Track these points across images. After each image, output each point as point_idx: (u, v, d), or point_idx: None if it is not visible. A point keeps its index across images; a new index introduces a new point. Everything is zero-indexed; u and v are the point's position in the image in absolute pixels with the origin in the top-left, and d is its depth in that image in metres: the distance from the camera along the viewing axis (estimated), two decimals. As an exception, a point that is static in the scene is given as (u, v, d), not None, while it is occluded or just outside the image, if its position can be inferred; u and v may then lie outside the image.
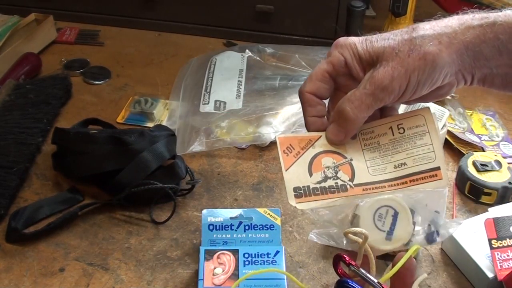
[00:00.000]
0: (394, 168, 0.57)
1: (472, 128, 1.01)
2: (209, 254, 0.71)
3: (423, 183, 0.56)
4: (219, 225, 0.75)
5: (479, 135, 0.99)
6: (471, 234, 0.76)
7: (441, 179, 0.56)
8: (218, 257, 0.71)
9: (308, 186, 0.57)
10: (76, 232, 0.82)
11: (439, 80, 0.53)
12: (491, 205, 0.84)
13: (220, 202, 0.87)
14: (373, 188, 0.57)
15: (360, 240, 0.55)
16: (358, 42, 0.56)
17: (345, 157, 0.58)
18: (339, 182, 0.57)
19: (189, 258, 0.78)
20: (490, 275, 0.71)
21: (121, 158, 0.85)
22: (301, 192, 0.56)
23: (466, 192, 0.87)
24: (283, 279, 0.69)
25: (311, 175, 0.57)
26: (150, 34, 1.29)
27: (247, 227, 0.75)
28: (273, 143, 0.97)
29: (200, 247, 0.73)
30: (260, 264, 0.70)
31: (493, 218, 0.72)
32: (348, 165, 0.58)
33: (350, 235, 0.55)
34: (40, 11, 1.25)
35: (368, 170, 0.58)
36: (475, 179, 0.86)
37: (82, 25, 1.30)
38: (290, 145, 0.59)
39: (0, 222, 0.82)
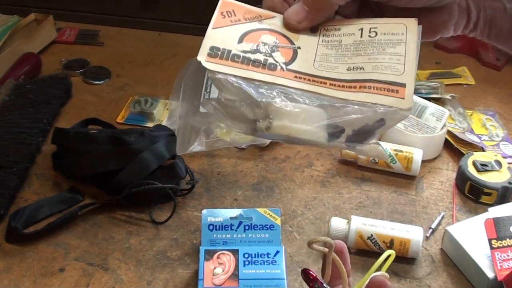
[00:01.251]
0: (347, 70, 0.46)
1: (472, 128, 1.01)
2: (209, 254, 0.71)
3: (377, 93, 0.44)
4: (219, 225, 0.75)
5: (479, 135, 0.99)
6: (471, 234, 0.76)
7: (403, 98, 0.44)
8: (218, 257, 0.71)
9: (230, 51, 0.46)
10: (76, 232, 0.82)
11: None
12: (491, 205, 0.84)
13: (220, 202, 0.87)
14: (309, 80, 0.46)
15: (326, 250, 0.52)
16: None
17: (293, 43, 0.47)
18: (270, 60, 0.46)
19: (189, 258, 0.78)
20: (490, 275, 0.71)
21: (121, 158, 0.85)
22: (217, 53, 0.46)
23: (466, 192, 0.87)
24: (283, 279, 0.69)
25: (240, 42, 0.47)
26: (150, 34, 1.29)
27: (247, 227, 0.75)
28: (273, 143, 0.97)
29: (200, 247, 0.73)
30: (260, 264, 0.70)
31: (493, 218, 0.72)
32: (291, 51, 0.47)
33: (314, 245, 0.51)
34: (40, 11, 1.25)
35: (314, 64, 0.47)
36: (475, 179, 0.86)
37: (82, 25, 1.30)
38: (233, 10, 0.49)
39: (0, 222, 0.82)
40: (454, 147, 0.96)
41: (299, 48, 0.47)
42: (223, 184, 0.90)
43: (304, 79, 0.45)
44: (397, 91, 0.44)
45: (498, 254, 0.70)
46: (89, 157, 0.87)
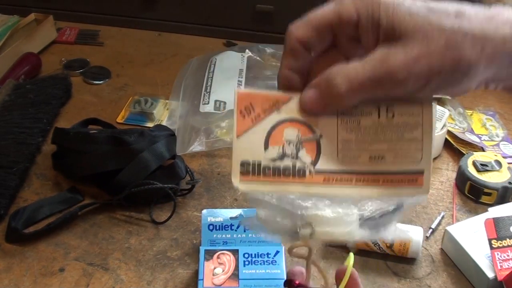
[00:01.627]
0: (369, 159, 0.46)
1: (472, 128, 1.01)
2: (209, 254, 0.71)
3: (399, 186, 0.46)
4: (219, 225, 0.75)
5: (479, 135, 0.99)
6: (471, 234, 0.76)
7: (421, 185, 0.45)
8: (218, 257, 0.71)
9: (260, 163, 0.48)
10: (76, 232, 0.82)
11: (462, 88, 0.43)
12: (491, 205, 0.84)
13: (220, 202, 0.87)
14: (337, 180, 0.46)
15: (305, 256, 0.51)
16: (383, 2, 0.41)
17: (314, 132, 0.46)
18: (298, 164, 0.46)
19: (189, 258, 0.78)
20: (490, 275, 0.71)
21: (121, 158, 0.85)
22: (249, 169, 0.48)
23: (466, 192, 0.87)
24: (283, 279, 0.69)
25: (266, 148, 0.48)
26: (150, 34, 1.29)
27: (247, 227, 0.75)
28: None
29: (200, 247, 0.73)
30: (260, 264, 0.70)
31: (493, 218, 0.72)
32: (315, 143, 0.46)
33: (294, 251, 0.50)
34: (40, 11, 1.25)
35: (338, 154, 0.46)
36: (475, 179, 0.86)
37: (82, 25, 1.30)
38: (251, 104, 0.48)
39: (0, 222, 0.82)
40: (454, 147, 0.96)
41: (321, 137, 0.46)
42: (223, 184, 0.90)
43: (333, 180, 0.46)
44: (416, 180, 0.45)
45: (498, 254, 0.70)
46: (89, 157, 0.87)
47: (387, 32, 0.41)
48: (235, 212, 0.76)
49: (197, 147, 0.94)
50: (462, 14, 0.40)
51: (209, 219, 0.75)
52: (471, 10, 0.41)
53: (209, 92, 1.03)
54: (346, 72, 0.41)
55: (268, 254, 0.71)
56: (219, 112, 0.98)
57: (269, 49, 1.12)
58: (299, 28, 0.46)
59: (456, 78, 0.40)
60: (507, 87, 0.45)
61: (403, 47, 0.40)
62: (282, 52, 0.46)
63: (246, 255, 0.71)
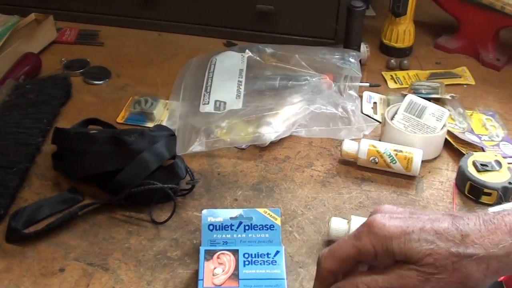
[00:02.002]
0: None
1: (472, 128, 1.01)
2: (209, 254, 0.71)
3: None
4: (219, 225, 0.75)
5: (479, 135, 0.99)
6: (471, 234, 0.76)
7: None
8: (218, 257, 0.71)
9: None
10: (76, 232, 0.82)
11: None
12: (491, 205, 0.84)
13: (220, 202, 0.87)
14: None
15: None
16: (395, 236, 0.47)
17: None
18: None
19: (189, 258, 0.78)
20: (490, 275, 0.71)
21: (121, 158, 0.85)
22: None
23: (466, 192, 0.87)
24: (283, 279, 0.69)
25: None
26: (150, 34, 1.29)
27: (247, 227, 0.75)
28: (273, 143, 0.97)
29: (200, 247, 0.73)
30: (260, 264, 0.70)
31: (493, 218, 0.72)
32: None
33: None
34: (40, 11, 1.25)
35: None
36: (475, 179, 0.86)
37: (82, 25, 1.30)
38: None
39: (0, 222, 0.82)
40: (454, 147, 0.96)
41: None
42: (223, 184, 0.90)
43: None
44: None
45: (498, 254, 0.70)
46: (89, 157, 0.87)
47: (401, 258, 0.47)
48: (235, 212, 0.76)
49: (197, 147, 0.94)
50: (466, 236, 0.45)
51: (209, 219, 0.75)
52: (474, 228, 0.45)
53: (209, 92, 1.03)
54: (367, 281, 0.49)
55: (268, 254, 0.71)
56: (219, 112, 0.98)
57: (269, 49, 1.11)
58: (327, 260, 0.52)
59: None
60: None
61: (416, 271, 0.46)
62: (316, 276, 0.54)
63: (246, 255, 0.71)
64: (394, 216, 0.49)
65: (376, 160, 0.91)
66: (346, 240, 0.51)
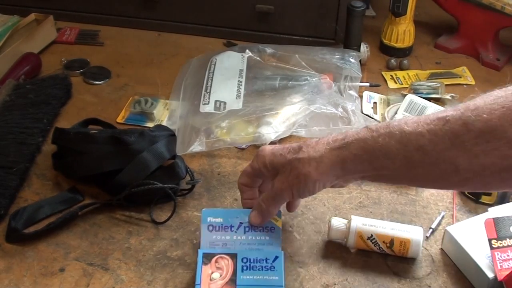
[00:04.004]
0: None
1: (472, 128, 1.00)
2: (207, 258, 0.71)
3: None
4: (219, 226, 0.74)
5: (479, 135, 0.99)
6: (471, 234, 0.76)
7: None
8: (216, 261, 0.71)
9: None
10: (76, 232, 0.82)
11: (315, 190, 0.69)
12: (491, 205, 0.84)
13: (220, 202, 0.87)
14: None
15: None
16: (268, 155, 0.72)
17: None
18: None
19: (189, 258, 0.78)
20: (490, 275, 0.71)
21: (121, 158, 0.85)
22: None
23: (466, 192, 0.87)
24: (281, 286, 0.69)
25: None
26: (150, 34, 1.29)
27: (247, 229, 0.75)
28: (273, 143, 0.97)
29: (199, 250, 0.73)
30: (259, 269, 0.70)
31: (493, 218, 0.72)
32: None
33: None
34: (40, 11, 1.25)
35: None
36: (475, 179, 0.86)
37: (82, 25, 1.29)
38: None
39: (0, 222, 0.82)
40: (454, 147, 0.96)
41: None
42: (223, 184, 0.90)
43: None
44: None
45: (498, 254, 0.70)
46: (89, 157, 0.87)
47: (272, 170, 0.72)
48: (235, 213, 0.76)
49: (197, 147, 0.94)
50: (300, 148, 0.69)
51: (208, 219, 0.75)
52: (309, 143, 0.69)
53: (209, 92, 1.02)
54: (262, 197, 0.74)
55: (267, 259, 0.71)
56: (219, 112, 0.98)
57: (269, 49, 1.11)
58: (240, 178, 0.77)
59: (303, 186, 0.69)
60: (363, 179, 0.71)
61: (278, 178, 0.71)
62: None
63: (245, 260, 0.71)
64: (274, 146, 0.74)
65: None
66: (247, 166, 0.76)
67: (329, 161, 0.67)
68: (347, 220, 0.79)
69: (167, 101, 1.07)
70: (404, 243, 0.76)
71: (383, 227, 0.77)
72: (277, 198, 0.72)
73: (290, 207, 0.80)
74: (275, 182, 0.71)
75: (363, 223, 0.77)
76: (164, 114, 1.04)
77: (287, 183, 0.70)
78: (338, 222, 0.79)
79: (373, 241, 0.77)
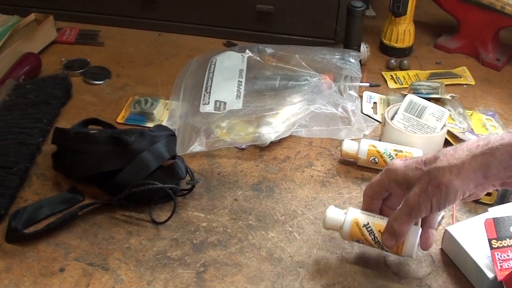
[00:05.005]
0: None
1: (472, 128, 1.01)
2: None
3: None
4: None
5: (479, 135, 0.99)
6: (471, 234, 0.76)
7: None
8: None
9: None
10: (76, 232, 0.82)
11: (456, 199, 0.67)
12: (491, 205, 0.84)
13: (220, 202, 0.87)
14: None
15: None
16: (400, 169, 0.71)
17: None
18: None
19: (189, 258, 0.78)
20: (490, 275, 0.71)
21: (121, 158, 0.85)
22: None
23: (466, 192, 0.87)
24: None
25: None
26: (150, 34, 1.29)
27: None
28: (273, 143, 0.97)
29: None
30: None
31: (493, 218, 0.72)
32: None
33: None
34: (40, 11, 1.25)
35: None
36: (475, 179, 0.86)
37: (82, 25, 1.30)
38: None
39: (0, 222, 0.82)
40: (454, 147, 0.96)
41: None
42: (223, 184, 0.90)
43: None
44: None
45: (498, 254, 0.70)
46: (89, 157, 0.87)
47: (404, 185, 0.70)
48: None
49: (197, 147, 0.94)
50: (436, 158, 0.67)
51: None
52: (445, 151, 0.67)
53: (209, 92, 1.03)
54: (393, 216, 0.71)
55: None
56: (219, 112, 0.98)
57: (269, 49, 1.11)
58: (366, 189, 0.76)
59: (444, 197, 0.66)
60: (501, 185, 0.68)
61: (413, 191, 0.68)
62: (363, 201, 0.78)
63: None
64: (403, 159, 0.72)
65: (376, 160, 0.91)
66: (376, 176, 0.75)
67: (472, 168, 0.65)
68: (344, 211, 0.77)
69: (167, 101, 1.07)
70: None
71: (381, 218, 0.75)
72: (413, 213, 0.69)
73: (426, 240, 0.74)
74: (410, 196, 0.68)
75: (361, 212, 0.76)
76: (164, 114, 1.04)
77: (425, 195, 0.67)
78: (335, 209, 0.77)
79: (368, 229, 0.74)
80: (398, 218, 0.70)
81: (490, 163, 0.64)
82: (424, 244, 0.73)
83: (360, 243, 0.76)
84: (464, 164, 0.65)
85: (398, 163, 0.71)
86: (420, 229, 0.75)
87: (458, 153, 0.66)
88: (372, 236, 0.74)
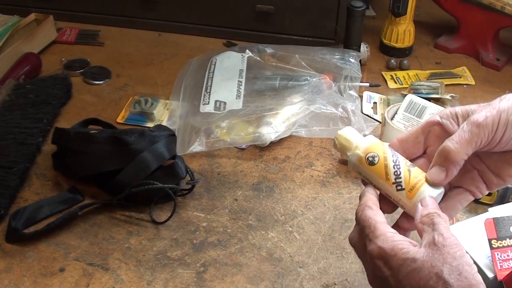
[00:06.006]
0: None
1: (472, 128, 1.00)
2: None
3: None
4: None
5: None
6: (471, 234, 0.76)
7: None
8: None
9: None
10: (76, 232, 0.82)
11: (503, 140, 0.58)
12: (491, 205, 0.84)
13: (220, 202, 0.87)
14: None
15: None
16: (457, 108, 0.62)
17: None
18: None
19: (189, 258, 0.78)
20: (490, 275, 0.71)
21: (121, 158, 0.85)
22: None
23: (466, 192, 0.87)
24: None
25: None
26: (150, 34, 1.29)
27: None
28: (273, 143, 0.97)
29: None
30: None
31: (493, 218, 0.72)
32: None
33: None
34: (40, 11, 1.25)
35: None
36: (475, 179, 0.86)
37: (82, 25, 1.30)
38: None
39: (0, 222, 0.82)
40: (454, 147, 0.96)
41: None
42: (223, 184, 0.90)
43: None
44: None
45: (498, 254, 0.70)
46: (89, 157, 0.87)
47: (464, 116, 0.60)
48: None
49: (197, 147, 0.94)
50: (504, 97, 0.58)
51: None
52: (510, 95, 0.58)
53: (209, 92, 1.03)
54: (449, 138, 0.59)
55: None
56: (219, 112, 0.98)
57: (269, 49, 1.12)
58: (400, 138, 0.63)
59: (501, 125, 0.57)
60: None
61: (477, 111, 0.58)
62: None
63: None
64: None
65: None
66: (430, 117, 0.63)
67: None
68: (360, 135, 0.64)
69: (167, 101, 1.07)
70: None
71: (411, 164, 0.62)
72: (476, 130, 0.57)
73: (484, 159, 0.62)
74: (474, 115, 0.58)
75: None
76: (164, 114, 1.04)
77: (494, 109, 0.57)
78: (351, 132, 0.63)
79: (394, 159, 0.60)
80: (455, 137, 0.58)
81: None
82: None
83: (365, 178, 0.62)
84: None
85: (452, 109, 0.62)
86: (443, 191, 0.62)
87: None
88: (396, 169, 0.60)
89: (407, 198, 0.60)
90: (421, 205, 0.59)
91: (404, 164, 0.61)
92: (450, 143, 0.58)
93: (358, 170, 0.62)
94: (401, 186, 0.60)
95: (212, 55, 1.12)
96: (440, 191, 0.61)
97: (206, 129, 0.96)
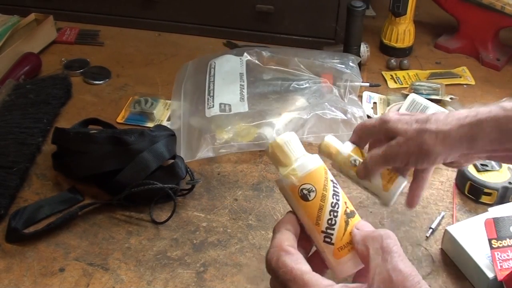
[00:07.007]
0: None
1: (472, 128, 1.00)
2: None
3: None
4: None
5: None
6: (471, 234, 0.76)
7: None
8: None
9: None
10: (76, 232, 0.82)
11: (435, 163, 0.67)
12: (491, 205, 0.84)
13: (220, 202, 0.87)
14: None
15: None
16: (393, 120, 0.69)
17: None
18: None
19: (189, 258, 0.78)
20: (490, 275, 0.71)
21: (121, 158, 0.85)
22: None
23: (466, 192, 0.87)
24: None
25: None
26: (150, 34, 1.29)
27: None
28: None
29: None
30: None
31: (493, 218, 0.72)
32: None
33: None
34: (40, 11, 1.25)
35: None
36: (475, 179, 0.86)
37: (82, 25, 1.30)
38: None
39: (0, 222, 0.82)
40: (454, 147, 0.96)
41: None
42: (223, 184, 0.90)
43: None
44: None
45: (498, 254, 0.70)
46: (89, 157, 0.87)
47: (391, 136, 0.68)
48: None
49: (205, 153, 0.94)
50: (429, 119, 0.66)
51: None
52: (438, 116, 0.66)
53: (213, 96, 1.02)
54: (371, 153, 0.69)
55: None
56: (225, 113, 0.97)
57: (266, 53, 1.10)
58: (358, 127, 0.73)
59: (422, 158, 0.66)
60: (487, 158, 0.70)
61: (397, 140, 0.67)
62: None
63: None
64: (401, 113, 0.71)
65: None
66: (371, 119, 0.74)
67: (457, 137, 0.64)
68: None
69: (167, 101, 1.07)
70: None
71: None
72: (388, 159, 0.67)
73: (411, 199, 0.73)
74: (393, 143, 0.67)
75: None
76: (164, 114, 1.04)
77: (406, 148, 0.66)
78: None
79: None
80: (374, 156, 0.68)
81: (476, 135, 0.64)
82: (410, 201, 0.73)
83: (290, 207, 0.58)
84: (450, 132, 0.64)
85: (393, 115, 0.70)
86: (406, 182, 0.70)
87: (448, 119, 0.66)
88: (332, 216, 0.58)
89: (333, 257, 0.53)
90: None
91: (343, 211, 0.54)
92: (369, 159, 0.69)
93: (285, 196, 0.55)
94: (331, 239, 0.52)
95: (209, 59, 1.11)
96: (404, 183, 0.70)
97: (212, 134, 0.95)
